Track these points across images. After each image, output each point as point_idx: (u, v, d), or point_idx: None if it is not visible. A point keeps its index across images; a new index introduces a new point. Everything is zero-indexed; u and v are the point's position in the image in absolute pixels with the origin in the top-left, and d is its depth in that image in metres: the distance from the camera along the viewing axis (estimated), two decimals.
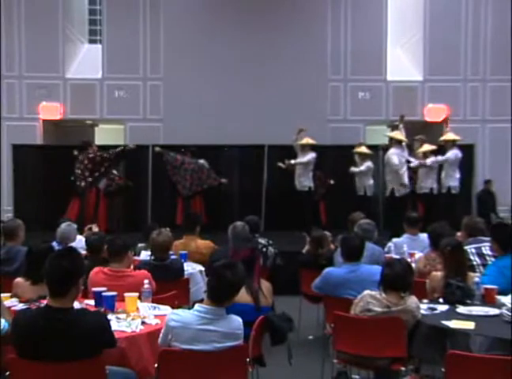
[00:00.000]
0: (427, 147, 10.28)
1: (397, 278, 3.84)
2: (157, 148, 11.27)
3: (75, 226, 6.46)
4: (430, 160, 9.92)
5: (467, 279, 4.22)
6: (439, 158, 9.97)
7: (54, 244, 5.91)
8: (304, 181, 10.48)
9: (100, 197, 10.45)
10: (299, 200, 10.57)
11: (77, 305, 3.34)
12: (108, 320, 3.18)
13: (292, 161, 10.60)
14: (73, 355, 2.96)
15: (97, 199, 10.40)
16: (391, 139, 9.89)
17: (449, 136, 10.33)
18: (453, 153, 9.88)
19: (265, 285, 4.31)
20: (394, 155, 9.53)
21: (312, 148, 10.50)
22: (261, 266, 4.71)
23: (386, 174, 9.88)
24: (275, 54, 12.65)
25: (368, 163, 10.64)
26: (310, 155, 10.42)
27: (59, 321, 2.96)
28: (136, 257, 5.74)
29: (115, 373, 3.24)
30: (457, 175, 9.91)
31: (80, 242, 6.10)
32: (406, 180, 9.46)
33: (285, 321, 3.83)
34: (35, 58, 12.83)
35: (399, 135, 9.87)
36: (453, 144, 9.98)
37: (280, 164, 10.87)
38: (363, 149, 10.74)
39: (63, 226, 6.26)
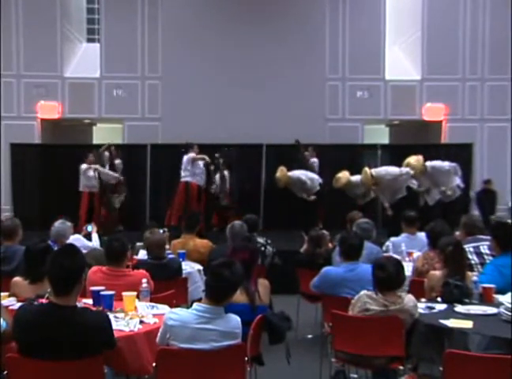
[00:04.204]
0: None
1: (391, 279, 3.85)
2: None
3: (70, 224, 6.39)
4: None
5: (466, 278, 4.22)
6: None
7: (50, 242, 5.89)
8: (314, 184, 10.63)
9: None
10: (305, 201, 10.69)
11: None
12: (110, 321, 3.17)
13: None
14: (73, 354, 2.96)
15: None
16: None
17: (418, 162, 9.65)
18: (447, 164, 9.78)
19: (263, 284, 4.29)
20: (388, 170, 9.77)
21: None
22: (258, 266, 4.69)
23: (389, 186, 9.78)
24: (273, 53, 12.64)
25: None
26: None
27: (63, 319, 2.96)
28: (134, 256, 5.74)
29: None
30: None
31: (77, 241, 6.07)
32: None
33: (283, 320, 3.83)
34: (34, 56, 12.82)
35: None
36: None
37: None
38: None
39: (57, 224, 6.16)
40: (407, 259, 5.75)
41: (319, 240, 6.23)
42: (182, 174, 10.44)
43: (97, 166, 10.71)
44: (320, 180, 10.73)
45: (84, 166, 10.59)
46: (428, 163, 9.59)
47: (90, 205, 10.59)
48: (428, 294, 4.35)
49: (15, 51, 12.88)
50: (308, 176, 10.63)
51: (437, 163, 9.69)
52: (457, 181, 9.78)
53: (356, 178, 9.93)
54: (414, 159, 9.62)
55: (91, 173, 10.64)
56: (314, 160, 11.21)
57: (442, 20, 13.13)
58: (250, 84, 12.61)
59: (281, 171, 10.59)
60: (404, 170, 9.69)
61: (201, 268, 5.83)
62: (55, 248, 5.19)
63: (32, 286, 4.13)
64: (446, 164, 9.66)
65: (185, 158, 10.44)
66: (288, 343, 3.93)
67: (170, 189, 11.32)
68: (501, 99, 12.91)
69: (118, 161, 11.12)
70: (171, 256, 5.59)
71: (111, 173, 10.99)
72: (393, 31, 14.19)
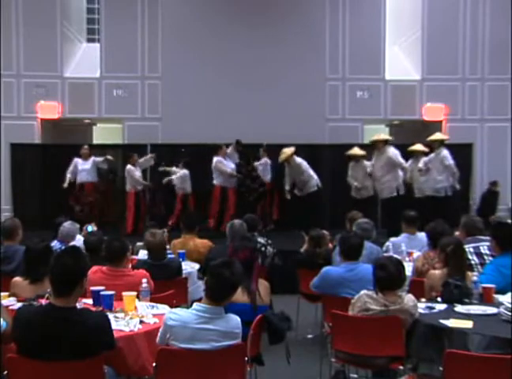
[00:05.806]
0: (419, 147, 10.36)
1: (392, 279, 3.85)
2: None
3: (78, 225, 6.45)
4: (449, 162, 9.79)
5: (466, 278, 4.22)
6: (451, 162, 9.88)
7: (56, 242, 5.92)
8: (310, 183, 10.61)
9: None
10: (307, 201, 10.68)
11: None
12: (109, 321, 3.17)
13: None
14: (73, 354, 2.96)
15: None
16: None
17: (437, 136, 10.15)
18: (451, 162, 9.78)
19: (264, 285, 4.29)
20: (398, 155, 9.93)
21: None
22: (259, 265, 4.70)
23: (385, 166, 9.94)
24: (273, 53, 12.64)
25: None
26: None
27: (62, 320, 2.96)
28: (134, 256, 5.74)
29: None
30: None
31: (78, 242, 6.09)
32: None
33: (283, 320, 3.83)
34: (33, 56, 12.81)
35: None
36: (440, 144, 9.89)
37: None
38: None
39: (67, 225, 6.21)
40: (407, 259, 5.75)
41: (319, 240, 6.23)
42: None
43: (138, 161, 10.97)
44: (318, 182, 10.64)
45: (129, 167, 10.72)
46: (444, 149, 9.76)
47: (137, 204, 10.75)
48: (428, 293, 4.36)
49: (15, 51, 12.87)
50: (309, 171, 10.57)
51: (448, 154, 9.76)
52: (449, 181, 9.79)
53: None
54: None
55: (138, 173, 10.79)
56: (266, 160, 11.22)
57: (442, 20, 13.13)
58: (250, 84, 12.61)
59: (289, 150, 10.46)
60: (405, 164, 9.99)
61: None
62: (62, 247, 5.21)
63: (32, 286, 4.14)
64: (450, 161, 9.68)
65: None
66: (288, 342, 3.94)
67: (170, 189, 11.32)
68: (501, 99, 12.91)
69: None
70: (171, 256, 5.59)
71: (145, 158, 11.25)
72: (393, 31, 14.18)
